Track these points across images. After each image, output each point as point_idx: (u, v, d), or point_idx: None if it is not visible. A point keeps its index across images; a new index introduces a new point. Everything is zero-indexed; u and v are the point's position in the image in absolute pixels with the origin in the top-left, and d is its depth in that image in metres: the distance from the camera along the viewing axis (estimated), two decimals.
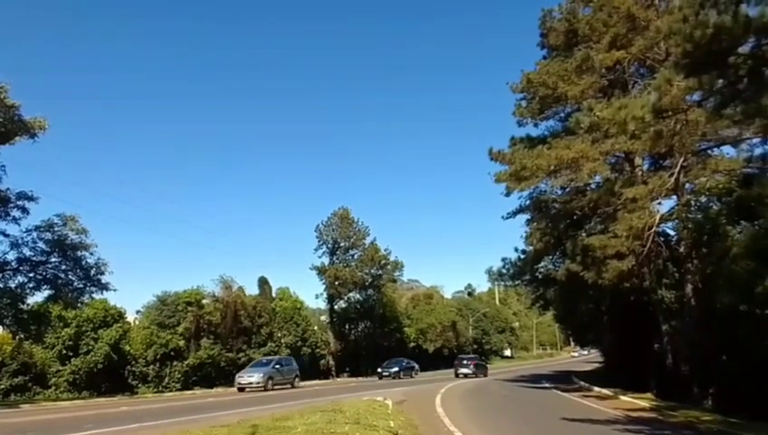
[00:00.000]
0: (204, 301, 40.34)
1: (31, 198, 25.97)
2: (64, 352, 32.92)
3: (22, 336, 30.68)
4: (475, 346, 76.80)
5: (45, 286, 27.24)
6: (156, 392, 34.00)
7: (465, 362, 43.53)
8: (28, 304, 27.81)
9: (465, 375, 40.54)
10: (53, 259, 27.31)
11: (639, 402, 18.83)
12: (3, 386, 30.81)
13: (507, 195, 25.54)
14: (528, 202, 28.37)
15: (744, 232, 18.09)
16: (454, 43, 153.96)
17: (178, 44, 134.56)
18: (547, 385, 30.29)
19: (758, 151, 17.01)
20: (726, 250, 17.75)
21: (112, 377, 34.35)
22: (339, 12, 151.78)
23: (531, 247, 28.34)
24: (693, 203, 21.72)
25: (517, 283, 39.90)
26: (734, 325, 17.20)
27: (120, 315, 36.45)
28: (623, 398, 20.52)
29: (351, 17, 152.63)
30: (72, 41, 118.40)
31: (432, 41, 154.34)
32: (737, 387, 16.66)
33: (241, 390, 29.52)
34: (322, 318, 57.31)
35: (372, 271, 53.59)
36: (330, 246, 53.39)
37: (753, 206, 18.21)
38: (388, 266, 54.49)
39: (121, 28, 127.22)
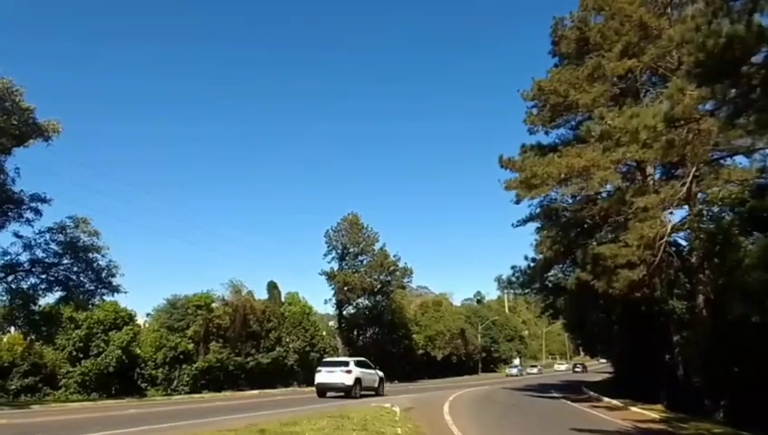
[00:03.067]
0: (213, 305, 40.50)
1: (44, 200, 26.24)
2: (75, 353, 33.15)
3: (33, 337, 30.94)
4: (484, 354, 76.43)
5: (57, 288, 27.48)
6: (165, 395, 34.12)
7: (577, 365, 72.91)
8: (40, 306, 28.05)
9: (578, 372, 65.94)
10: (65, 261, 27.54)
11: (649, 414, 18.65)
12: (13, 387, 31.08)
13: (517, 202, 25.50)
14: (538, 210, 28.27)
15: (757, 243, 17.95)
16: (465, 49, 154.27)
17: (191, 46, 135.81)
18: (556, 395, 30.05)
19: None
20: (739, 261, 17.60)
21: (122, 379, 34.55)
22: (349, 14, 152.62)
23: (541, 256, 28.17)
24: (705, 213, 21.56)
25: (527, 291, 39.62)
26: (747, 337, 17.03)
27: (131, 318, 36.67)
28: (633, 409, 20.33)
29: (363, 20, 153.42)
30: (83, 42, 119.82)
31: (443, 46, 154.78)
32: (749, 399, 16.46)
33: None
34: (331, 324, 57.29)
35: (381, 277, 53.52)
36: (339, 251, 53.44)
37: (766, 216, 18.06)
38: (398, 273, 54.40)
39: (132, 30, 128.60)
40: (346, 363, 26.98)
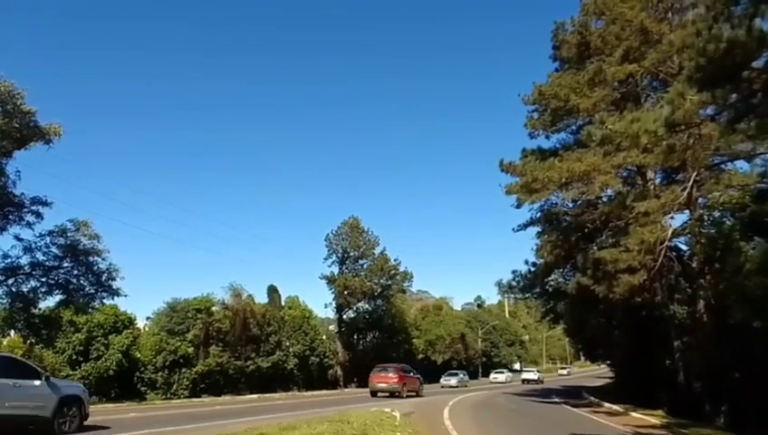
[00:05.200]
0: (213, 308, 40.44)
1: (45, 203, 26.18)
2: (75, 357, 33.07)
3: (33, 341, 30.88)
4: (484, 359, 76.33)
5: (57, 291, 27.44)
6: (164, 399, 34.05)
7: (607, 363, 77.16)
8: (40, 309, 28.00)
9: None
10: (66, 264, 27.50)
11: (650, 419, 18.59)
12: None
13: (518, 207, 25.47)
14: (539, 214, 28.22)
15: (758, 248, 17.91)
16: (466, 52, 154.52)
17: (192, 50, 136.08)
18: (556, 400, 29.99)
19: None
20: (740, 266, 17.56)
21: (122, 383, 34.47)
22: (350, 18, 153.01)
23: (541, 260, 28.14)
24: (706, 218, 21.54)
25: (527, 295, 39.70)
26: (748, 342, 17.02)
27: (131, 321, 36.59)
28: (634, 414, 20.27)
29: (363, 24, 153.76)
30: (88, 45, 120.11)
31: (444, 50, 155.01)
32: (750, 405, 16.42)
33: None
34: (331, 328, 57.19)
35: (382, 281, 53.47)
36: (339, 255, 53.43)
37: (767, 221, 18.05)
38: (398, 277, 54.36)
39: (134, 33, 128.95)
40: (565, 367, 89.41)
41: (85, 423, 13.30)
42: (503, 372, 63.25)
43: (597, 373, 76.92)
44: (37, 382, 12.00)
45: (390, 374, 30.58)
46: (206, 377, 38.10)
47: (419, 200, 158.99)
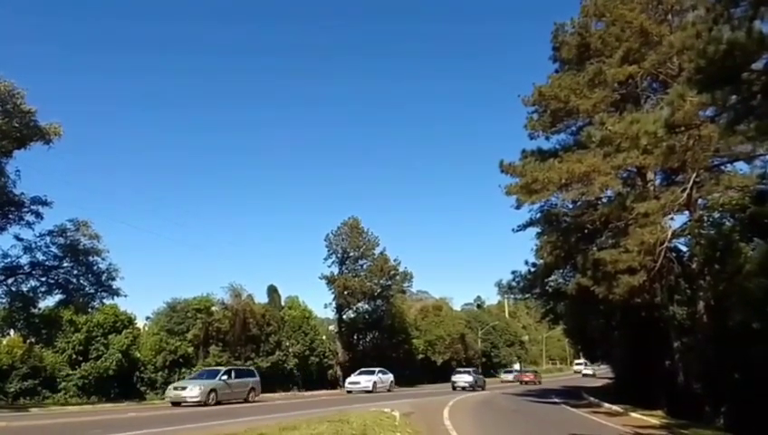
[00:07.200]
0: (213, 308, 40.42)
1: (45, 203, 26.23)
2: (74, 356, 33.08)
3: (33, 340, 30.90)
4: (484, 359, 76.32)
5: (57, 291, 27.46)
6: (164, 399, 34.04)
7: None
8: (39, 309, 28.02)
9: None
10: (66, 264, 27.53)
11: (649, 420, 18.58)
12: (13, 389, 31.01)
13: (518, 207, 25.44)
14: (539, 215, 28.18)
15: (758, 249, 17.93)
16: (465, 53, 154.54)
17: (192, 49, 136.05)
18: (556, 400, 29.99)
19: None
20: (739, 267, 17.59)
21: (121, 383, 34.49)
22: (351, 20, 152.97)
23: (541, 261, 28.14)
24: (706, 219, 21.56)
25: (527, 296, 39.62)
26: (747, 343, 17.00)
27: (130, 321, 36.62)
28: (633, 415, 20.27)
29: (364, 25, 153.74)
30: (88, 46, 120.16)
31: (443, 50, 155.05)
32: (750, 406, 16.43)
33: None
34: (331, 328, 57.12)
35: (381, 281, 53.42)
36: (339, 255, 53.37)
37: (767, 222, 18.08)
38: (398, 277, 54.31)
39: (136, 33, 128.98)
40: (586, 363, 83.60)
41: None
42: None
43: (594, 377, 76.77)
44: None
45: (529, 374, 60.94)
46: None
47: (419, 201, 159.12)
